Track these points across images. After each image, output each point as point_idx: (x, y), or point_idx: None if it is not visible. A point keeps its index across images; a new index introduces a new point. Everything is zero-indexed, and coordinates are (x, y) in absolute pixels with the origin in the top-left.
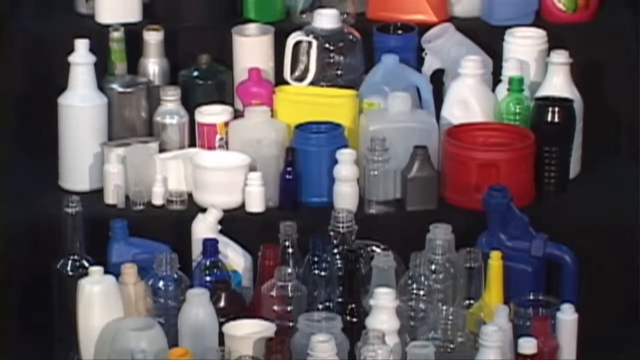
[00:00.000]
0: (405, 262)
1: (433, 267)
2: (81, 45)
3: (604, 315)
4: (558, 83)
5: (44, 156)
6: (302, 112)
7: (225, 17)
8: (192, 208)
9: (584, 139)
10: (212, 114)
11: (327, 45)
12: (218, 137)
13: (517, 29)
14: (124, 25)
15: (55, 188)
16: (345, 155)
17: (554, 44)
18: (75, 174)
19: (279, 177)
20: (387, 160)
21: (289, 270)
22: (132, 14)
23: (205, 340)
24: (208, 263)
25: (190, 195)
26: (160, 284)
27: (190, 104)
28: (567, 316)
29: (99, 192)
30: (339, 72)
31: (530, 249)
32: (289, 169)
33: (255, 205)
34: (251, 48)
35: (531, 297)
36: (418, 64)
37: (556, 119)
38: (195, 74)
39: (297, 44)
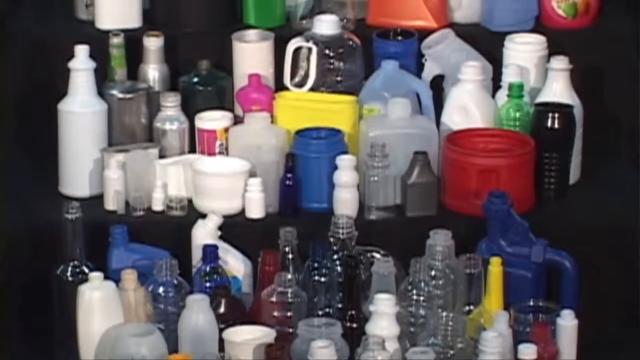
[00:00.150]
0: (405, 268)
1: (433, 273)
2: (81, 51)
3: (604, 321)
4: (558, 89)
5: (44, 162)
6: (302, 118)
7: (225, 23)
8: (192, 214)
9: (584, 145)
10: (212, 120)
11: (327, 51)
12: (218, 143)
13: (517, 35)
14: (124, 31)
15: (55, 194)
16: (345, 161)
17: (553, 49)
18: (75, 180)
19: (279, 183)
20: (387, 166)
21: (289, 276)
22: (132, 19)
23: (205, 346)
24: (208, 269)
25: (190, 201)
26: (160, 289)
27: (190, 109)
28: (567, 322)
29: (99, 198)
30: (339, 78)
31: (530, 254)
32: (289, 174)
33: (255, 211)
34: (251, 54)
35: (531, 303)
36: (418, 70)
37: (556, 125)
38: (195, 79)
39: (297, 50)
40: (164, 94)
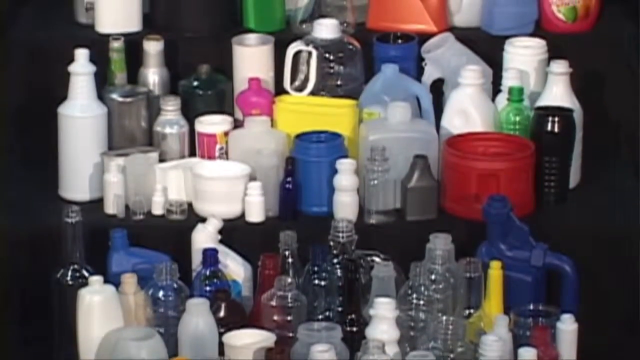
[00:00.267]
0: (405, 271)
1: (433, 277)
2: (81, 55)
3: (604, 325)
4: (558, 93)
5: (44, 166)
6: (302, 122)
7: (225, 27)
8: (192, 218)
9: (584, 149)
10: (212, 124)
11: (327, 55)
12: (218, 146)
13: (516, 39)
14: (124, 35)
15: (55, 198)
16: (345, 165)
17: (553, 53)
18: (75, 184)
19: (279, 187)
20: (387, 170)
21: (289, 280)
22: (132, 23)
23: (205, 350)
24: (208, 273)
25: (190, 205)
26: (160, 293)
27: (190, 113)
28: (567, 326)
29: (99, 202)
30: (339, 81)
31: (530, 258)
32: (288, 178)
33: (255, 215)
34: (251, 58)
35: (531, 307)
36: (418, 73)
37: (556, 129)
38: (195, 83)
39: (297, 54)
40: (164, 97)
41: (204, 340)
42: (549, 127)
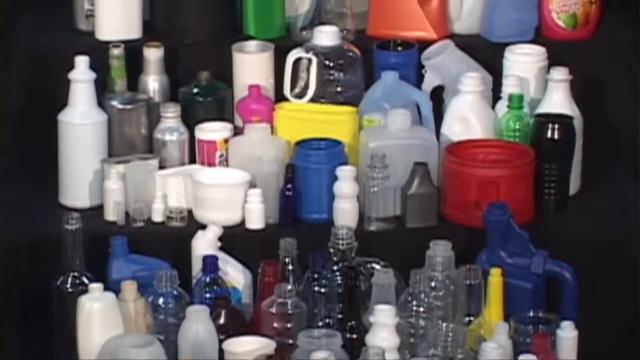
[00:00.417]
0: (405, 279)
1: (433, 284)
2: (81, 62)
3: (604, 332)
4: (558, 100)
5: (44, 172)
6: (302, 129)
7: (225, 34)
8: (192, 225)
9: (584, 156)
10: (212, 131)
11: (327, 62)
12: (218, 153)
13: (516, 46)
14: (124, 42)
15: (55, 204)
16: (345, 172)
17: (553, 60)
18: (75, 191)
19: (279, 194)
20: (387, 177)
21: (289, 287)
22: (132, 30)
23: (205, 357)
24: (208, 280)
25: (190, 212)
26: (160, 300)
27: (190, 120)
28: (568, 333)
29: (99, 209)
30: (339, 88)
31: (530, 265)
32: (288, 185)
33: (255, 222)
34: (251, 65)
35: (531, 314)
36: (418, 80)
37: (556, 136)
38: (195, 90)
39: (297, 61)
40: (164, 104)
41: (204, 347)
42: (549, 134)
